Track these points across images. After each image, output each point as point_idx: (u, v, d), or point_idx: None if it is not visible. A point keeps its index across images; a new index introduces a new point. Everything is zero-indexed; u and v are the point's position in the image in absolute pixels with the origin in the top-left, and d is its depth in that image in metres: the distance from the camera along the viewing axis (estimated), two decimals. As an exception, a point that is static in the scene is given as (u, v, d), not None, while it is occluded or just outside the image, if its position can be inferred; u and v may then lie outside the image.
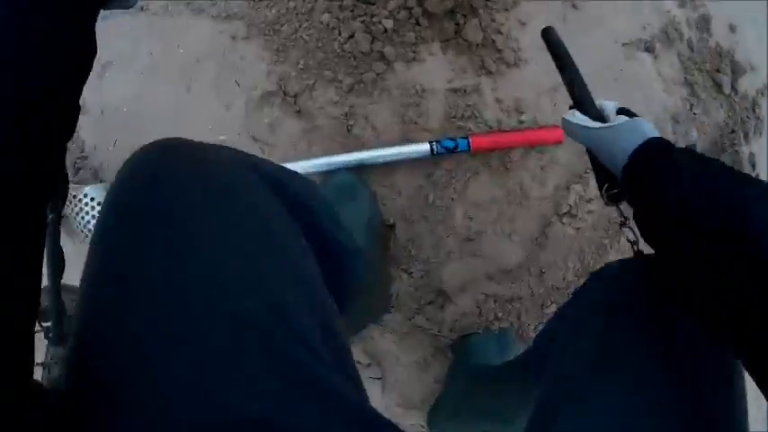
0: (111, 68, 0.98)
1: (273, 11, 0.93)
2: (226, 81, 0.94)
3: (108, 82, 0.98)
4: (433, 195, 0.90)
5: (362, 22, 0.92)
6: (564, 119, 0.56)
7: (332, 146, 0.91)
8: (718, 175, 0.42)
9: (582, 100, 0.57)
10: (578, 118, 0.55)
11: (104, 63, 0.99)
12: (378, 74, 0.92)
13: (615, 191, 0.54)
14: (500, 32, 0.98)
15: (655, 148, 0.48)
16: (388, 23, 0.91)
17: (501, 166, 0.95)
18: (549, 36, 0.61)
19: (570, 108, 0.58)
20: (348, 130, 0.91)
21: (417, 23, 0.94)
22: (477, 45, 0.96)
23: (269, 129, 0.93)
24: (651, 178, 0.46)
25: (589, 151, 0.56)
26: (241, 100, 0.93)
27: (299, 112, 0.92)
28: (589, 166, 0.60)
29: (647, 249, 0.51)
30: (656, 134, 0.49)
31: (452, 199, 0.90)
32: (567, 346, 0.51)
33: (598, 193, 0.56)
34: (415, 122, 0.92)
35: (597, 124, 0.53)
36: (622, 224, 0.55)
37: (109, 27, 1.00)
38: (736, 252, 0.37)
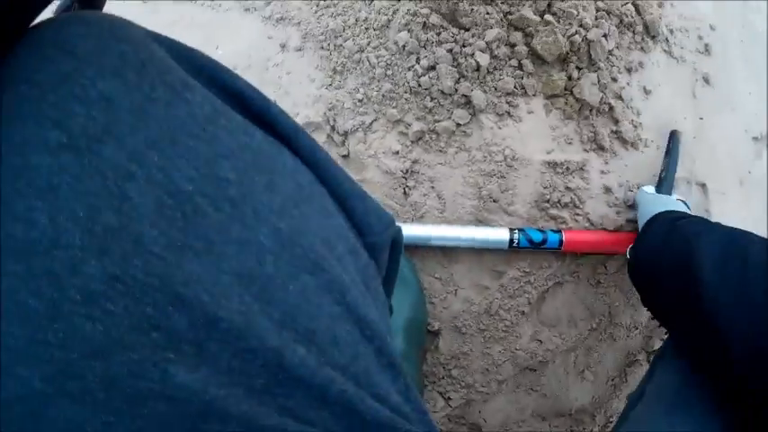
0: None
1: (339, 20, 0.55)
2: (263, 100, 0.55)
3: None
4: (499, 304, 0.52)
5: (450, 51, 0.54)
6: (641, 188, 0.58)
7: (379, 211, 0.52)
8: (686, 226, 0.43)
9: (665, 183, 0.58)
10: (646, 188, 0.58)
11: None
12: (458, 125, 0.54)
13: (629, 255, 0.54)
14: (620, 98, 0.58)
15: (659, 218, 0.48)
16: (483, 59, 0.53)
17: (592, 278, 0.55)
18: (675, 138, 0.62)
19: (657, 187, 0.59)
20: (405, 194, 0.53)
21: (520, 67, 0.55)
22: (592, 110, 0.55)
23: (304, 171, 0.53)
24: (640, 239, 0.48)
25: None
26: None
27: (346, 156, 0.54)
28: None
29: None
30: (683, 210, 0.51)
31: (522, 313, 0.53)
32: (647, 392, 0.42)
33: None
34: (495, 200, 0.53)
35: (651, 191, 0.57)
36: None
37: (148, 14, 0.71)
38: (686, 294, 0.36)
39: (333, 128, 0.60)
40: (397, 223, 0.57)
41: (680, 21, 0.70)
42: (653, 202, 0.53)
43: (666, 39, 0.68)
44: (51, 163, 0.15)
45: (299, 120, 0.61)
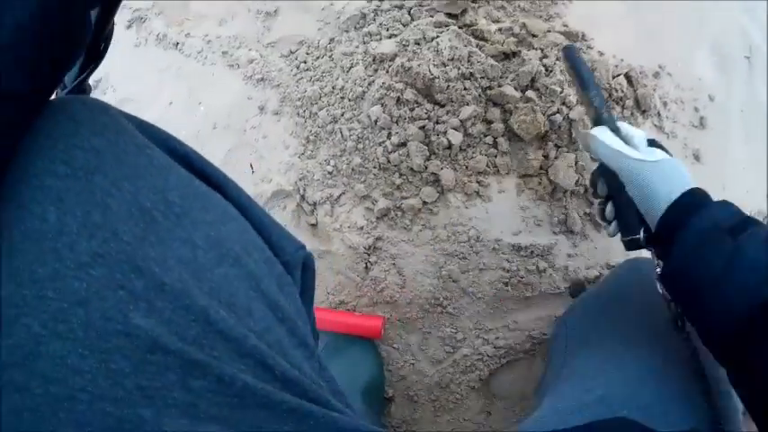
0: (128, 106, 0.66)
1: (316, 86, 0.55)
2: (239, 161, 0.58)
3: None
4: (451, 378, 0.52)
5: (422, 128, 0.53)
6: (592, 135, 0.42)
7: (342, 282, 0.54)
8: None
9: (607, 120, 0.43)
10: (610, 138, 0.41)
11: (123, 98, 0.65)
12: (425, 203, 0.53)
13: (639, 236, 0.40)
14: (601, 176, 0.55)
15: (691, 201, 0.37)
16: (456, 138, 0.52)
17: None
18: (570, 54, 0.46)
19: (595, 125, 0.44)
20: (366, 269, 0.54)
21: (494, 145, 0.54)
22: (566, 192, 0.54)
23: (274, 236, 0.55)
24: (683, 236, 0.35)
25: (605, 174, 0.43)
26: (249, 191, 0.56)
27: (314, 225, 0.55)
28: None
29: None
30: (692, 183, 0.38)
31: (473, 387, 0.53)
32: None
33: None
34: (455, 280, 0.53)
35: (636, 154, 0.40)
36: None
37: (140, 57, 0.73)
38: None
39: (303, 197, 0.61)
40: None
41: (676, 91, 0.65)
42: (657, 169, 0.38)
43: (658, 112, 0.64)
44: (60, 185, 0.23)
45: (272, 186, 0.62)
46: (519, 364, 0.60)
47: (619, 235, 0.43)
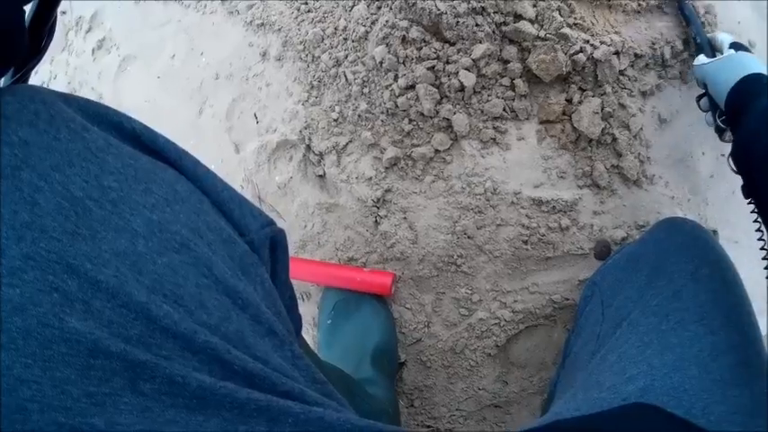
0: (133, 63, 0.61)
1: (318, 28, 0.48)
2: (243, 111, 0.52)
3: (126, 78, 0.66)
4: (465, 343, 0.45)
5: (431, 69, 0.51)
6: (694, 65, 0.48)
7: (351, 237, 0.47)
8: None
9: (703, 45, 0.49)
10: (699, 60, 0.47)
11: (127, 55, 0.59)
12: (437, 151, 0.47)
13: (717, 122, 0.45)
14: (627, 127, 0.48)
15: (754, 84, 0.39)
16: (468, 79, 0.45)
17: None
18: (684, 4, 0.52)
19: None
20: (376, 223, 0.46)
21: (511, 87, 0.46)
22: (591, 141, 0.46)
23: (279, 191, 0.50)
24: (746, 117, 0.37)
25: (707, 88, 0.46)
26: (254, 142, 0.50)
27: (322, 176, 0.48)
28: None
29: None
30: (763, 69, 0.40)
31: (488, 354, 0.46)
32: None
33: None
34: (470, 237, 0.46)
35: (709, 60, 0.46)
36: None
37: (141, 13, 0.66)
38: None
39: (308, 147, 0.54)
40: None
41: (712, 35, 0.56)
42: (719, 64, 0.43)
43: (693, 56, 0.55)
44: None
45: (277, 136, 0.55)
46: (538, 330, 0.53)
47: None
